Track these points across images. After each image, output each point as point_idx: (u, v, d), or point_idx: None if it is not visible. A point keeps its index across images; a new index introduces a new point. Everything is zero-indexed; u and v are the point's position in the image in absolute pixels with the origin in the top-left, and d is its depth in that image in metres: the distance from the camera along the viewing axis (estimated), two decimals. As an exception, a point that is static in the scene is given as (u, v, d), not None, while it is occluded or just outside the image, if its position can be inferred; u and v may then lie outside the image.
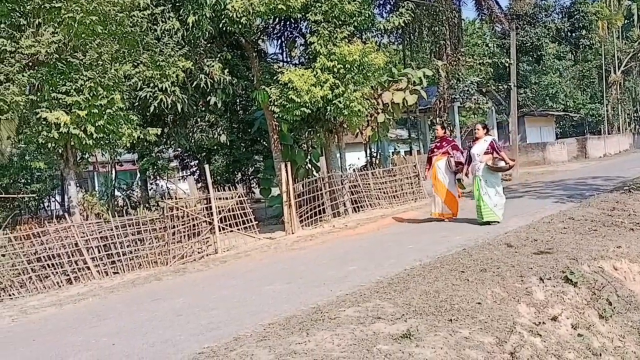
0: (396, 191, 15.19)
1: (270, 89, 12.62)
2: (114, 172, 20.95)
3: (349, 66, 12.12)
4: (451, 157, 10.91)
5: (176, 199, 11.77)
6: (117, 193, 19.49)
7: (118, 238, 9.91)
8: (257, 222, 12.17)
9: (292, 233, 12.13)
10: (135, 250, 10.05)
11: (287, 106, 12.12)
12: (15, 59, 8.71)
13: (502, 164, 9.87)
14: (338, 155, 14.49)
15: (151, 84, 10.79)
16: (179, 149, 17.76)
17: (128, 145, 10.30)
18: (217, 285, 7.47)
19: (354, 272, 7.02)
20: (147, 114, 11.68)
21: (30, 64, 9.06)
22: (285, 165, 12.55)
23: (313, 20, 12.26)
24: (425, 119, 25.51)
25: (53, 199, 19.45)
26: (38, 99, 9.17)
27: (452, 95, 22.01)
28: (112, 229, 9.93)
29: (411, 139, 27.23)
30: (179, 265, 9.91)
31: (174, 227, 10.56)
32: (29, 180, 17.67)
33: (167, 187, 20.84)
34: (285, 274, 7.55)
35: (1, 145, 17.40)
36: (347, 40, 12.34)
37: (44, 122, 9.09)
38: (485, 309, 4.99)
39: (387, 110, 15.42)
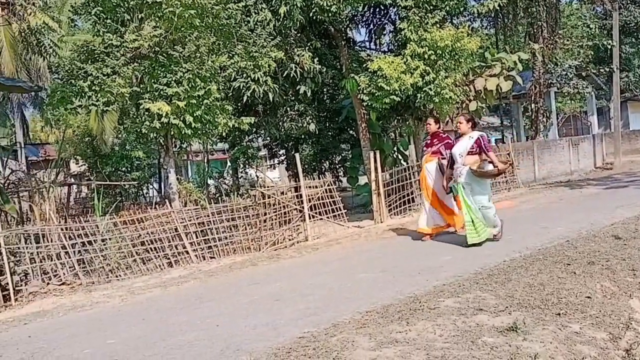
0: (488, 180, 14.69)
1: (360, 77, 12.56)
2: (206, 160, 21.76)
3: (440, 52, 11.81)
4: (443, 158, 8.82)
5: (266, 187, 12.02)
6: (209, 181, 20.24)
7: (214, 224, 10.26)
8: (344, 210, 12.20)
9: (381, 222, 12.06)
10: (230, 236, 10.37)
11: (376, 94, 12.02)
12: (120, 52, 9.19)
13: (489, 167, 7.74)
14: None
15: (244, 75, 11.06)
16: (268, 138, 18.11)
17: (224, 134, 10.61)
18: (311, 271, 7.56)
19: (449, 262, 6.87)
20: (240, 103, 12.00)
21: (134, 57, 9.52)
22: (374, 154, 12.48)
23: (403, 6, 12.05)
24: (518, 105, 24.52)
25: (151, 186, 20.50)
26: (141, 91, 9.63)
27: (548, 80, 20.95)
28: (208, 216, 10.30)
29: (503, 127, 26.27)
30: (271, 251, 10.12)
31: (265, 214, 10.81)
32: (129, 169, 18.72)
33: (256, 176, 21.39)
34: (378, 262, 7.53)
35: (104, 136, 18.54)
36: (438, 26, 12.03)
37: (146, 113, 9.54)
38: (595, 303, 4.72)
39: (480, 97, 14.92)
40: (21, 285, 8.17)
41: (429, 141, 9.36)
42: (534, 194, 13.97)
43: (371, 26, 14.48)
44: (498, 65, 14.92)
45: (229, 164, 24.04)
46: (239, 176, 19.44)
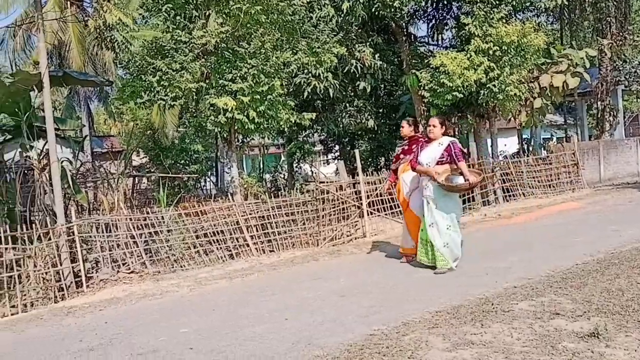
0: (552, 180, 14.32)
1: (421, 73, 12.45)
2: (262, 155, 22.05)
3: (505, 48, 11.58)
4: None
5: (326, 182, 12.07)
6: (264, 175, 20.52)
7: (273, 218, 10.38)
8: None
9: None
10: (289, 230, 10.48)
11: (437, 90, 11.89)
12: (188, 48, 9.40)
13: (459, 180, 6.61)
14: (489, 141, 13.96)
15: (305, 71, 11.13)
16: (324, 134, 18.18)
17: (286, 129, 10.72)
18: (372, 268, 7.56)
19: (517, 264, 6.73)
20: (300, 99, 12.09)
21: (201, 53, 9.72)
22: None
23: (467, 1, 11.86)
24: (582, 103, 23.70)
25: (208, 179, 20.94)
26: (207, 86, 9.83)
27: (615, 77, 20.16)
28: (268, 210, 10.43)
29: (567, 125, 25.47)
30: (329, 246, 10.16)
31: (324, 209, 10.86)
32: (188, 162, 19.16)
33: (310, 171, 21.52)
34: (441, 262, 7.42)
35: (166, 129, 19.03)
36: (504, 21, 11.79)
37: (211, 108, 9.73)
38: (680, 312, 4.52)
39: (545, 94, 14.53)
40: (92, 272, 8.49)
41: (405, 147, 7.96)
42: (601, 195, 13.49)
43: (433, 21, 14.31)
44: (565, 61, 14.48)
45: (283, 158, 24.30)
46: (294, 171, 19.62)
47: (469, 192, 12.37)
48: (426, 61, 12.61)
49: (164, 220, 9.59)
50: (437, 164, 6.72)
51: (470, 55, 11.54)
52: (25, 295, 7.54)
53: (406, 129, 7.94)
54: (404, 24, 13.90)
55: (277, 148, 24.04)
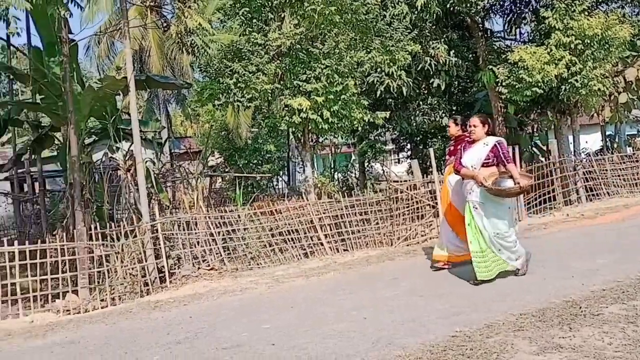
0: (639, 179, 13.56)
1: (498, 68, 12.14)
2: (333, 154, 22.17)
3: (588, 41, 11.10)
4: None
5: (399, 181, 11.98)
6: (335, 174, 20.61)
7: (347, 217, 10.42)
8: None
9: (519, 220, 11.54)
10: (362, 229, 10.48)
11: (516, 86, 11.55)
12: (264, 50, 9.60)
13: (508, 184, 6.08)
14: (570, 138, 13.41)
15: (378, 69, 11.10)
16: (396, 133, 18.04)
17: (360, 128, 10.74)
18: (451, 269, 7.43)
19: (605, 266, 6.43)
20: (372, 98, 12.07)
21: (276, 54, 9.91)
22: (513, 149, 11.96)
23: (547, -7, 11.45)
24: (672, 97, 22.29)
25: (280, 179, 21.28)
26: (281, 87, 10.00)
27: None
28: (341, 209, 10.47)
29: (654, 122, 24.06)
30: (403, 246, 10.09)
31: (398, 209, 10.78)
32: (261, 162, 19.54)
33: (382, 170, 21.42)
34: (522, 263, 7.21)
35: (239, 130, 19.49)
36: (586, 13, 11.29)
37: (285, 109, 9.90)
38: None
39: (630, 88, 13.79)
40: (175, 268, 8.84)
41: (452, 147, 7.47)
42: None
43: (510, 16, 13.88)
44: (653, 54, 13.69)
45: (353, 157, 24.31)
46: (366, 170, 19.59)
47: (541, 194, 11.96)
48: (503, 56, 12.28)
49: (241, 219, 9.84)
50: (483, 166, 6.18)
51: (551, 50, 11.13)
52: (113, 289, 7.96)
53: (453, 129, 7.52)
54: (479, 19, 13.59)
55: (347, 147, 24.10)
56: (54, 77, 9.61)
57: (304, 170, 11.19)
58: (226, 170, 18.66)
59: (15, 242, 7.56)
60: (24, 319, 6.91)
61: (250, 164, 19.06)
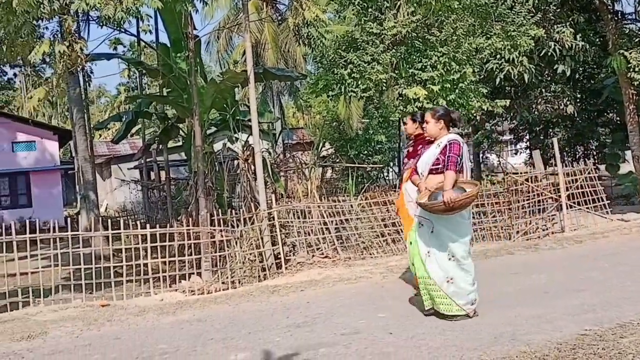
0: None
1: (630, 53, 11.21)
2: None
3: None
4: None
5: (519, 173, 11.47)
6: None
7: (462, 209, 10.13)
8: (607, 202, 11.02)
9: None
10: (478, 222, 10.16)
11: (652, 72, 10.60)
12: (379, 40, 9.55)
13: (438, 198, 4.76)
14: None
15: (498, 56, 10.67)
16: (514, 122, 17.26)
17: (478, 117, 10.41)
18: (578, 265, 7.01)
19: None
20: (490, 86, 11.62)
21: (391, 44, 9.82)
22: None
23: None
24: None
25: (390, 169, 21.14)
26: (396, 76, 9.91)
27: None
28: (456, 200, 10.19)
29: None
30: (523, 240, 9.65)
31: (517, 201, 10.34)
32: (371, 152, 19.51)
33: (498, 161, 20.65)
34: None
35: (350, 121, 19.60)
36: None
37: (400, 98, 9.79)
38: None
39: None
40: (289, 255, 9.08)
41: (410, 149, 6.16)
42: None
43: (646, -6, 12.77)
44: None
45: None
46: (480, 161, 18.97)
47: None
48: (636, 40, 11.31)
49: (353, 209, 9.90)
50: (431, 172, 5.00)
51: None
52: (233, 273, 8.33)
53: (410, 126, 6.25)
54: (608, 0, 12.60)
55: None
56: (180, 71, 10.19)
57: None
58: (337, 160, 18.85)
59: (148, 226, 8.12)
60: (154, 297, 7.43)
61: (361, 155, 19.08)
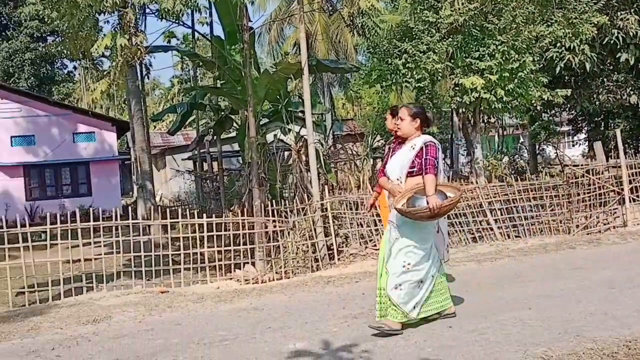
0: None
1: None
2: (500, 135, 21.18)
3: None
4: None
5: (580, 165, 11.09)
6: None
7: (519, 202, 9.89)
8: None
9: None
10: (536, 215, 9.89)
11: None
12: (435, 29, 9.38)
13: (421, 204, 4.38)
14: None
15: (558, 44, 10.32)
16: (574, 112, 16.67)
17: (538, 108, 10.11)
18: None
19: None
20: (550, 75, 11.25)
21: (447, 33, 9.63)
22: None
23: None
24: None
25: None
26: (452, 66, 9.72)
27: None
28: (513, 193, 9.96)
29: None
30: (583, 234, 9.35)
31: (577, 194, 10.01)
32: (422, 144, 19.22)
33: (555, 153, 20.02)
34: None
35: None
36: None
37: (456, 88, 9.61)
38: None
39: None
40: (342, 246, 9.07)
41: (393, 146, 5.38)
42: None
43: None
44: None
45: (521, 139, 23.01)
46: (537, 153, 18.45)
47: None
48: None
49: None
50: (408, 175, 4.63)
51: None
52: (286, 263, 8.40)
53: (389, 122, 5.72)
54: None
55: (515, 128, 22.86)
56: (234, 63, 10.30)
57: (467, 152, 10.82)
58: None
59: (204, 215, 8.27)
60: (211, 285, 7.58)
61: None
